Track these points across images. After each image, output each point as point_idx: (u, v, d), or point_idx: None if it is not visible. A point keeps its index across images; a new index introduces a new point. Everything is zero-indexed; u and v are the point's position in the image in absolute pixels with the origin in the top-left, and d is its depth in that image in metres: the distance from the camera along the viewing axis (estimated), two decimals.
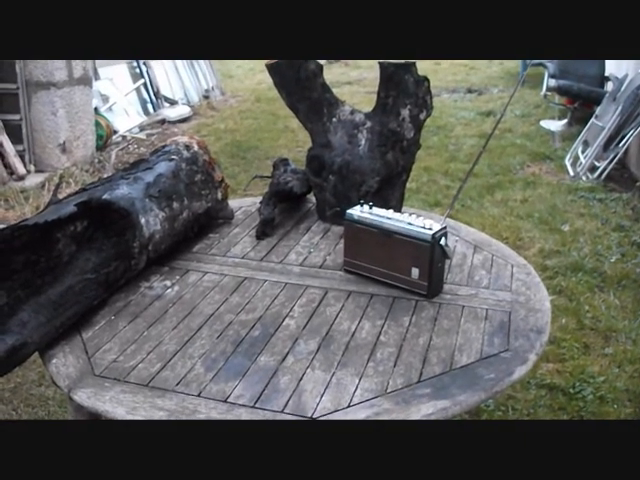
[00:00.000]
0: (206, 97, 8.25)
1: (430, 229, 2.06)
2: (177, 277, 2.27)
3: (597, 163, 5.36)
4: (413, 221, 2.11)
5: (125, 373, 1.74)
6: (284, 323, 1.99)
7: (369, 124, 2.55)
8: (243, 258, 2.39)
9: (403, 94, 2.46)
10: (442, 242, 2.07)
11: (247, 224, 2.66)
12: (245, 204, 2.85)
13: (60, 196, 2.16)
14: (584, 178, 5.37)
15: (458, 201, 5.09)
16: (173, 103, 7.79)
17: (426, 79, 2.46)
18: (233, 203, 2.80)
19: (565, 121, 6.29)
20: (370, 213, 2.19)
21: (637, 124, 5.14)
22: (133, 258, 2.17)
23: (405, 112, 2.47)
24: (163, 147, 2.51)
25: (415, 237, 2.07)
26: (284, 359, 1.82)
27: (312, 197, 2.79)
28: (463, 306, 2.09)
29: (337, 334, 1.94)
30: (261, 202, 2.63)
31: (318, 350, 1.86)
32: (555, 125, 6.38)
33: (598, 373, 3.22)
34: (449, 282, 2.20)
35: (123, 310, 2.08)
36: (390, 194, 2.63)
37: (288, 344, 1.89)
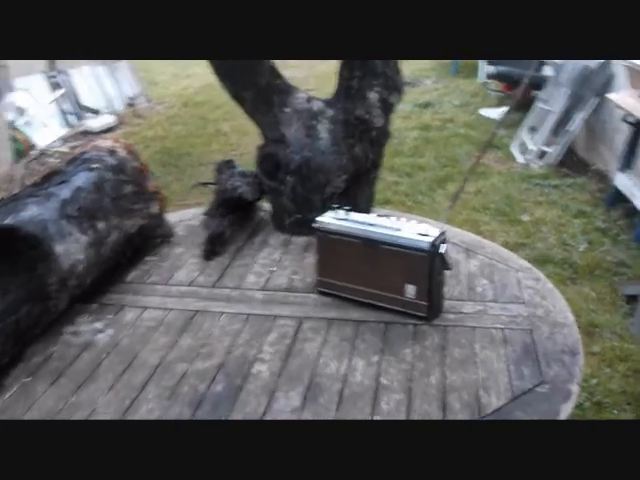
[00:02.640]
0: (131, 105, 7.62)
1: (427, 235, 1.60)
2: (110, 316, 1.75)
3: (547, 149, 5.02)
4: (404, 226, 1.65)
5: None
6: (254, 370, 1.50)
7: (330, 112, 2.08)
8: (191, 285, 1.89)
9: (370, 74, 1.99)
10: (442, 250, 1.61)
11: (191, 242, 2.15)
12: (185, 217, 2.34)
13: None
14: (534, 165, 5.02)
15: (409, 197, 4.68)
16: (96, 113, 7.14)
17: None
18: (172, 218, 2.28)
19: (505, 108, 5.95)
20: (347, 219, 1.71)
21: (585, 107, 4.82)
22: (50, 298, 1.64)
23: (373, 95, 2.01)
24: (82, 154, 1.97)
25: (409, 247, 1.60)
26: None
27: (266, 204, 2.30)
28: (474, 327, 1.63)
29: (324, 380, 1.46)
30: (206, 214, 2.13)
31: (304, 405, 1.38)
32: (495, 113, 6.04)
33: (590, 375, 2.83)
34: (447, 297, 1.74)
35: (42, 367, 1.55)
36: (359, 194, 2.16)
37: (263, 400, 1.40)
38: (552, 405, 1.35)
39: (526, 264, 1.97)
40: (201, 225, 2.16)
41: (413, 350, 1.55)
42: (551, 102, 5.04)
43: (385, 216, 1.72)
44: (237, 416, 1.35)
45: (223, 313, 1.73)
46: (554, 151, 4.96)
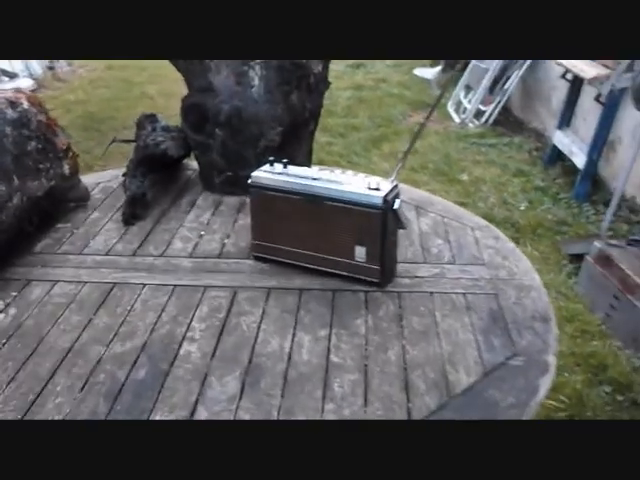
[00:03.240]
0: (51, 68, 7.10)
1: (378, 190, 1.38)
2: (13, 293, 1.47)
3: (483, 107, 4.87)
4: (351, 180, 1.42)
5: None
6: (182, 351, 1.26)
7: None
8: (108, 254, 1.62)
9: None
10: (396, 206, 1.39)
11: (109, 205, 1.87)
12: (104, 179, 2.05)
13: None
14: (471, 124, 4.87)
15: (343, 157, 4.46)
16: (13, 77, 6.64)
17: None
18: (88, 180, 1.99)
19: (439, 67, 5.77)
20: (286, 174, 1.47)
21: (520, 65, 4.67)
22: None
23: None
24: None
25: (358, 202, 1.38)
26: (193, 414, 1.10)
27: (193, 161, 2.04)
28: (432, 293, 1.43)
29: (265, 360, 1.23)
30: (125, 174, 1.85)
31: (243, 392, 1.15)
32: (430, 72, 5.84)
33: None
34: (401, 260, 1.53)
35: None
36: (296, 149, 1.92)
37: (194, 387, 1.16)
38: (529, 380, 1.16)
39: (482, 221, 1.77)
40: (120, 187, 1.88)
41: (366, 321, 1.33)
42: (487, 60, 4.87)
43: (328, 169, 1.49)
44: (163, 407, 1.11)
45: (145, 285, 1.48)
46: (490, 110, 4.81)
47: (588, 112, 3.90)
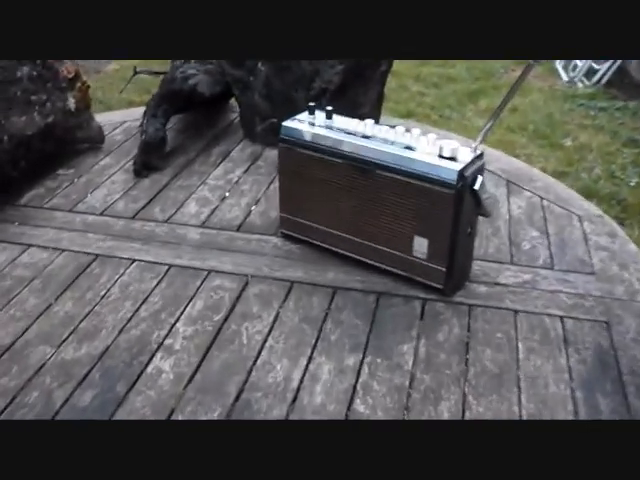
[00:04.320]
0: None
1: (454, 160, 0.93)
2: None
3: (596, 65, 4.22)
4: (417, 143, 0.98)
5: None
6: (150, 368, 0.87)
7: None
8: (103, 214, 1.24)
9: None
10: (477, 186, 0.94)
11: (126, 150, 1.50)
12: (131, 117, 1.67)
13: None
14: (580, 83, 4.24)
15: (435, 110, 3.94)
16: None
17: None
18: (111, 118, 1.62)
19: None
20: (328, 127, 1.04)
21: None
22: None
23: None
24: None
25: (423, 177, 0.94)
26: None
27: (234, 103, 1.63)
28: (515, 311, 0.99)
29: (261, 397, 0.83)
30: (145, 113, 1.46)
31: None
32: None
33: None
34: (477, 256, 1.09)
35: None
36: (361, 94, 1.48)
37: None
38: None
39: (595, 210, 1.30)
40: (139, 129, 1.50)
41: (416, 349, 0.91)
42: None
43: (391, 126, 1.05)
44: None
45: (134, 261, 1.09)
46: (604, 69, 4.16)
47: None
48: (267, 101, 1.45)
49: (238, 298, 1.00)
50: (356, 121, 1.05)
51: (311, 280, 1.04)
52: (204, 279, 1.05)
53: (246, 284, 1.03)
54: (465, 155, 0.94)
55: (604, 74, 4.23)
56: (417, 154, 0.95)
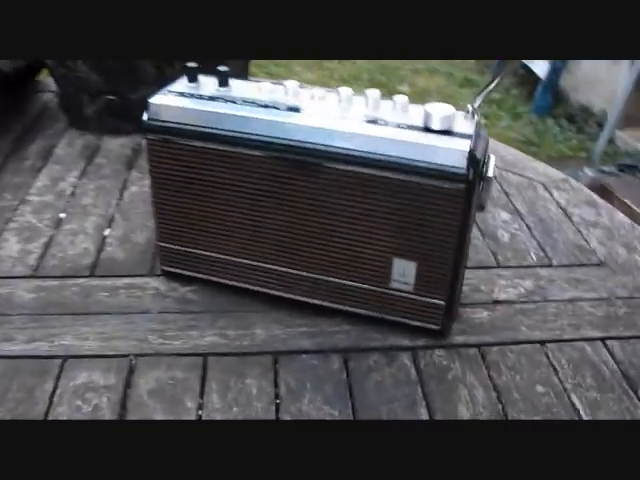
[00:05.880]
0: None
1: (450, 133, 0.57)
2: None
3: None
4: (382, 113, 0.60)
5: None
6: None
7: None
8: None
9: None
10: (491, 173, 0.58)
11: None
12: None
13: None
14: None
15: (259, 68, 3.54)
16: None
17: None
18: None
19: None
20: (228, 100, 0.63)
21: None
22: None
23: None
24: None
25: (410, 166, 0.56)
26: None
27: (48, 79, 1.14)
28: (541, 343, 0.65)
29: None
30: None
31: None
32: None
33: None
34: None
35: None
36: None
37: None
38: None
39: (554, 172, 0.99)
40: None
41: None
42: None
43: (329, 90, 0.65)
44: None
45: None
46: None
47: None
48: (98, 70, 0.99)
49: (124, 404, 0.57)
50: (268, 85, 0.64)
51: (234, 346, 0.64)
52: (58, 375, 0.60)
53: (131, 373, 0.61)
54: (464, 125, 0.58)
55: None
56: (391, 130, 0.57)
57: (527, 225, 0.84)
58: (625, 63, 2.58)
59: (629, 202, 2.09)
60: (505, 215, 0.86)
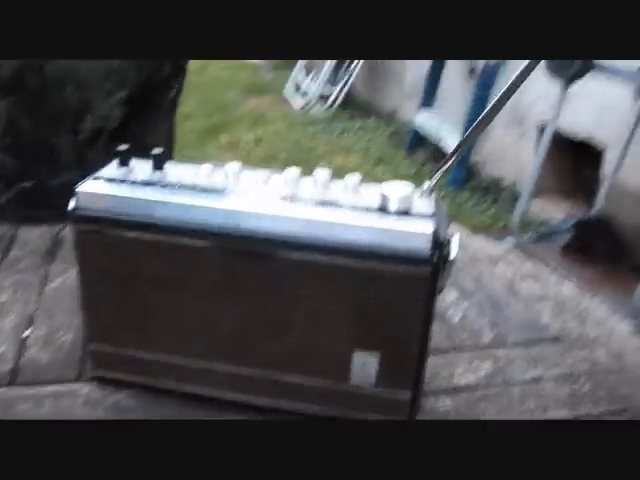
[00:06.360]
0: None
1: (407, 213, 0.53)
2: None
3: (326, 91, 4.11)
4: (334, 194, 0.56)
5: None
6: None
7: None
8: None
9: None
10: (453, 254, 0.55)
11: None
12: None
13: None
14: (315, 109, 4.09)
15: (176, 152, 3.50)
16: None
17: None
18: None
19: None
20: (165, 186, 0.57)
21: None
22: None
23: None
24: None
25: (370, 252, 0.52)
26: None
27: None
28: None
29: None
30: None
31: None
32: None
33: None
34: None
35: None
36: (149, 132, 1.01)
37: None
38: None
39: (494, 246, 0.98)
40: None
41: None
42: None
43: (272, 173, 0.61)
44: None
45: None
46: (336, 92, 4.06)
47: (453, 89, 3.27)
48: (12, 153, 0.91)
49: None
50: (207, 168, 0.59)
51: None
52: None
53: None
54: (421, 204, 0.54)
55: (337, 97, 4.16)
56: (346, 213, 0.53)
57: (476, 302, 0.81)
58: (532, 136, 2.69)
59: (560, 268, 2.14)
60: (453, 294, 0.83)
